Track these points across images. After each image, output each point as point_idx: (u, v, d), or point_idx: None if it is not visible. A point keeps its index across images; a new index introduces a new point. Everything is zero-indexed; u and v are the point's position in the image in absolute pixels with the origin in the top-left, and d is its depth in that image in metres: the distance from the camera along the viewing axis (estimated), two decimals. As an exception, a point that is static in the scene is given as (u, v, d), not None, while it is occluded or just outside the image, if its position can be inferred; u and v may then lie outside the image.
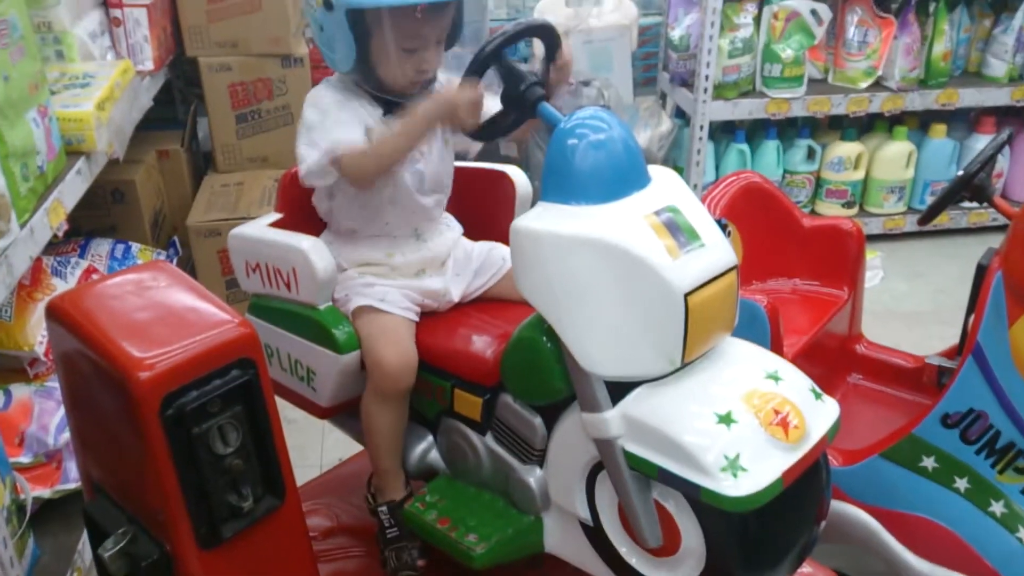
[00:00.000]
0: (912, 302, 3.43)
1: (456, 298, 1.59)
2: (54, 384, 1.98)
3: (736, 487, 1.08)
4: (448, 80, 1.56)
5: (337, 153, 1.42)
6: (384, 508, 1.55)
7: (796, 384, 1.21)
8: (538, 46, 1.43)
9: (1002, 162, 3.81)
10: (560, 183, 1.21)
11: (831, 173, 3.76)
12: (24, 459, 1.87)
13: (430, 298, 1.56)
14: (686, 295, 1.13)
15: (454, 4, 1.46)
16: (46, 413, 1.93)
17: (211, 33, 2.96)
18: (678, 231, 1.18)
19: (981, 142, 3.66)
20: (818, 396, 1.22)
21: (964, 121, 3.86)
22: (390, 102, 1.50)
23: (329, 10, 1.39)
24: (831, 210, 3.80)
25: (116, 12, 2.57)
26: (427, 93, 1.51)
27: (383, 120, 1.50)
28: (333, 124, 1.44)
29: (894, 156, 3.75)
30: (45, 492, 1.87)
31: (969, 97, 3.67)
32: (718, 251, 1.19)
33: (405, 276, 1.56)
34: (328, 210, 1.60)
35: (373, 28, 1.41)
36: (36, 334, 1.97)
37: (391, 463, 1.54)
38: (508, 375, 1.37)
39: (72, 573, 1.80)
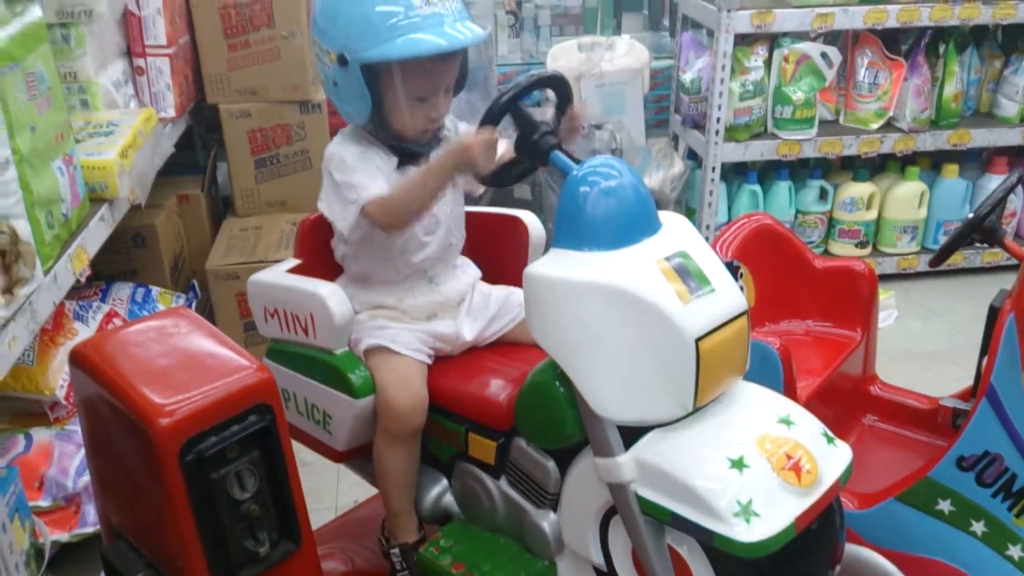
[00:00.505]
0: (927, 342, 3.42)
1: (469, 339, 1.61)
2: (74, 428, 2.01)
3: (749, 533, 1.09)
4: (462, 128, 1.60)
5: (363, 202, 1.46)
6: (396, 551, 1.56)
7: (808, 428, 1.21)
8: (551, 92, 1.46)
9: (1015, 201, 3.82)
10: (572, 230, 1.23)
11: (844, 213, 3.77)
12: (43, 503, 1.89)
13: (442, 341, 1.58)
14: (697, 340, 1.15)
15: (461, 53, 1.50)
16: (66, 456, 1.96)
17: (231, 81, 3.02)
18: (688, 276, 1.19)
19: (993, 182, 3.66)
20: (830, 440, 1.22)
21: (976, 161, 3.87)
22: (404, 151, 1.54)
23: (344, 66, 1.43)
24: (844, 250, 3.81)
25: (140, 61, 2.64)
26: (437, 141, 1.55)
27: (397, 171, 1.53)
28: (359, 177, 1.47)
29: (906, 196, 3.76)
30: (63, 536, 1.89)
31: (981, 137, 3.68)
32: (728, 296, 1.21)
33: (416, 319, 1.58)
34: (343, 255, 1.63)
35: (386, 80, 1.45)
36: (57, 378, 1.99)
37: (404, 505, 1.55)
38: (522, 419, 1.38)
39: (89, 617, 1.81)
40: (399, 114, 1.48)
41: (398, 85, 1.44)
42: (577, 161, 1.31)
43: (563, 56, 3.64)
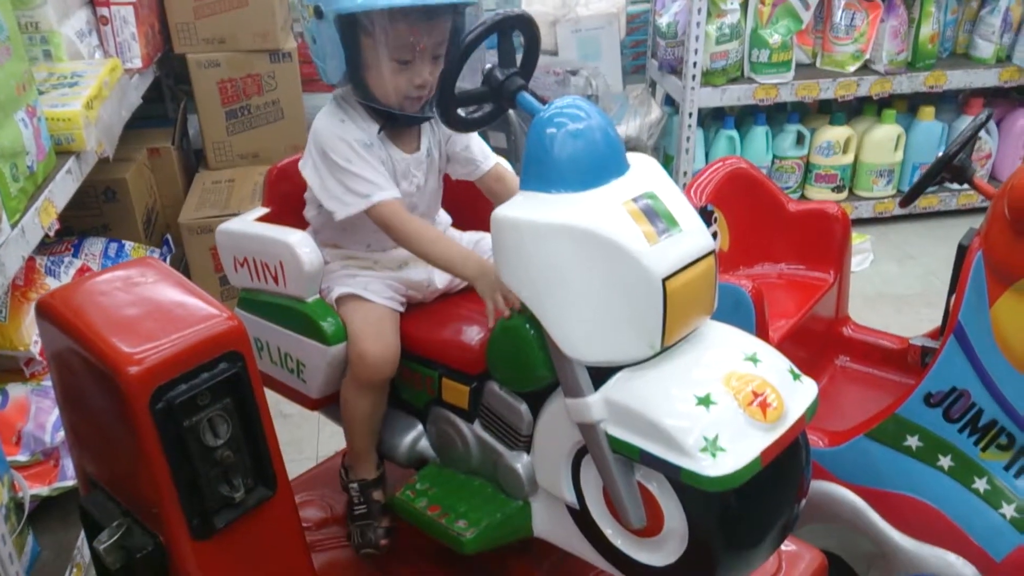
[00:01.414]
0: (902, 285, 3.45)
1: (441, 287, 1.60)
2: (50, 383, 2.00)
3: (715, 467, 1.10)
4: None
5: (374, 202, 1.44)
6: (355, 486, 1.59)
7: (774, 365, 1.23)
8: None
9: (990, 143, 3.83)
10: (539, 171, 1.22)
11: (820, 158, 3.77)
12: (22, 457, 1.90)
13: (414, 289, 1.58)
14: (664, 280, 1.15)
15: (450, 16, 1.43)
16: (43, 412, 1.96)
17: (199, 29, 2.97)
18: (656, 217, 1.19)
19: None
20: (796, 376, 1.24)
21: (952, 103, 3.88)
22: (387, 116, 1.48)
23: (320, 19, 1.38)
24: (821, 195, 3.82)
25: (103, 11, 2.58)
26: (425, 116, 1.51)
27: (378, 137, 1.48)
28: (369, 172, 1.45)
29: (883, 139, 3.76)
30: (43, 490, 1.90)
31: (957, 79, 3.68)
32: (696, 236, 1.21)
33: (387, 268, 1.58)
34: (312, 216, 1.60)
35: (362, 36, 1.40)
36: (31, 334, 1.99)
37: (366, 444, 1.57)
38: (493, 363, 1.39)
39: (72, 569, 1.82)
40: (378, 75, 1.42)
41: (377, 42, 1.38)
42: (544, 103, 1.30)
43: (538, 0, 3.59)
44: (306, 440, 2.60)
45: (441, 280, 1.60)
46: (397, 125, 1.51)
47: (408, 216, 1.48)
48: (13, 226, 1.66)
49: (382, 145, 1.50)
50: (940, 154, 1.97)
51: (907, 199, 2.06)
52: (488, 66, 1.39)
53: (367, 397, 1.51)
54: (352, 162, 1.45)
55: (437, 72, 1.45)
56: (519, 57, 1.42)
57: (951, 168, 1.96)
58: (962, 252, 1.82)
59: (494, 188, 1.61)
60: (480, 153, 1.62)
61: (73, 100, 2.02)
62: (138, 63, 2.66)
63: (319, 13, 1.38)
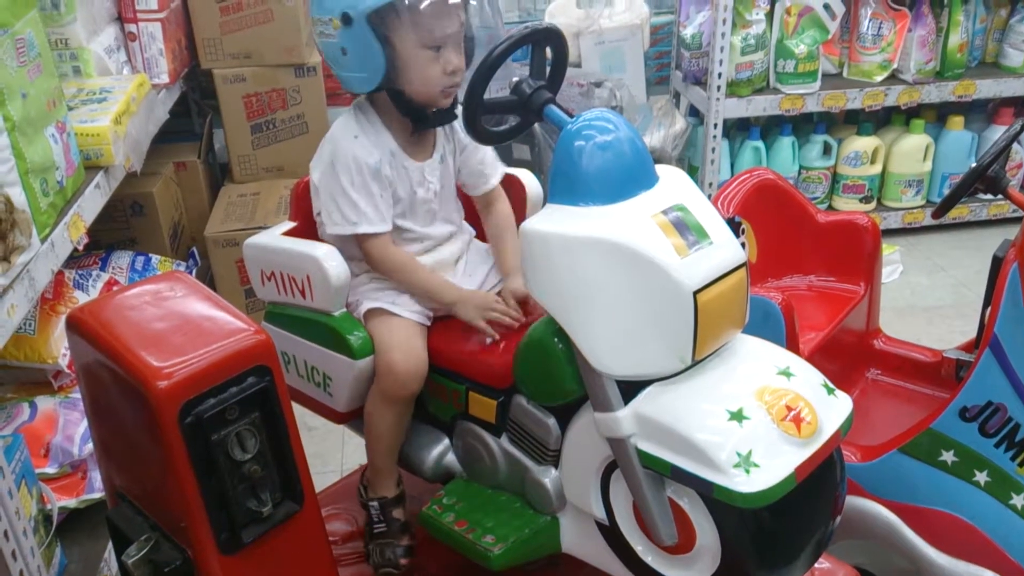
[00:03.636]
0: (933, 296, 3.41)
1: None
2: (78, 396, 2.01)
3: (749, 483, 1.08)
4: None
5: (360, 232, 1.50)
6: (375, 504, 1.58)
7: (808, 379, 1.21)
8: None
9: (1022, 153, 3.78)
10: (567, 184, 1.22)
11: (848, 168, 3.74)
12: (50, 470, 1.91)
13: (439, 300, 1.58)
14: (695, 293, 1.13)
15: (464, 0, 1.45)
16: (71, 424, 1.97)
17: (225, 45, 2.99)
18: (686, 230, 1.18)
19: (999, 133, 3.62)
20: (831, 391, 1.22)
21: (982, 112, 3.83)
22: (418, 116, 1.50)
23: (349, 26, 1.39)
24: (848, 205, 3.78)
25: (131, 27, 2.61)
26: (452, 114, 1.53)
27: (391, 151, 1.51)
28: (364, 201, 1.49)
29: (911, 149, 3.72)
30: (71, 502, 1.91)
31: (986, 88, 3.64)
32: (727, 249, 1.20)
33: None
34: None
35: (394, 29, 1.40)
36: (60, 347, 2.00)
37: (387, 462, 1.57)
38: (521, 377, 1.37)
39: (99, 581, 1.83)
40: (414, 68, 1.42)
41: (408, 32, 1.39)
42: (572, 115, 1.29)
43: (561, 13, 3.59)
44: (330, 453, 2.60)
45: (469, 289, 1.59)
46: (426, 127, 1.53)
47: (393, 250, 1.54)
48: (43, 240, 1.67)
49: (394, 160, 1.51)
50: (973, 164, 1.94)
51: (940, 210, 2.03)
52: (515, 79, 1.39)
53: (392, 411, 1.51)
54: (353, 186, 1.48)
55: (462, 60, 1.47)
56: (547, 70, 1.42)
57: (985, 179, 1.92)
58: (997, 264, 1.79)
59: (491, 206, 1.66)
60: (491, 167, 1.64)
61: (102, 116, 2.04)
62: (165, 78, 2.68)
63: (347, 20, 1.39)
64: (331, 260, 1.50)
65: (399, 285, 1.54)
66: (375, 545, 1.59)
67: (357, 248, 1.56)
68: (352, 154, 1.48)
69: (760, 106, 3.56)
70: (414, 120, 1.51)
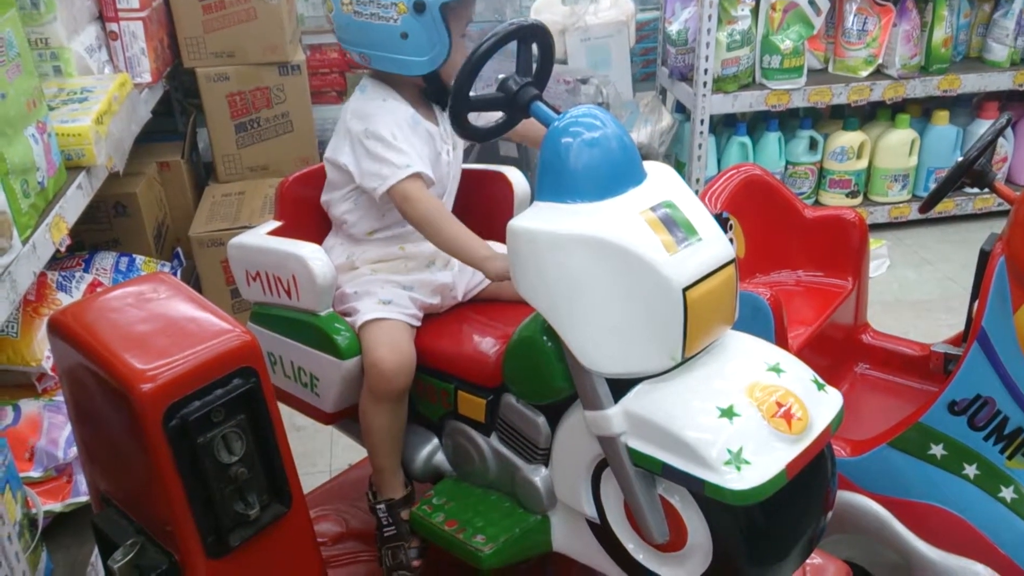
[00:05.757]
0: (920, 290, 3.42)
1: (461, 295, 1.60)
2: (62, 399, 1.99)
3: (740, 480, 1.08)
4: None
5: (412, 171, 1.49)
6: (383, 507, 1.56)
7: (798, 375, 1.20)
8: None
9: (1006, 147, 3.80)
10: (555, 182, 1.21)
11: (834, 163, 3.75)
12: (35, 473, 1.88)
13: (439, 293, 1.58)
14: (684, 290, 1.13)
15: None
16: (55, 427, 1.94)
17: (208, 43, 2.97)
18: (675, 226, 1.17)
19: (984, 127, 3.63)
20: (821, 387, 1.21)
21: (967, 107, 3.85)
22: (435, 93, 1.57)
23: (420, 12, 1.43)
24: (835, 200, 3.79)
25: (112, 26, 2.58)
26: None
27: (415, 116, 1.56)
28: (408, 146, 1.51)
29: (897, 144, 3.73)
30: (56, 506, 1.88)
31: (971, 83, 3.65)
32: (716, 245, 1.19)
33: (419, 267, 1.58)
34: (345, 211, 1.61)
35: (452, 20, 1.48)
36: (43, 349, 1.97)
37: (390, 462, 1.55)
38: (510, 376, 1.37)
39: (85, 586, 1.81)
40: (459, 53, 1.49)
41: (459, 20, 1.50)
42: (558, 112, 1.29)
43: (547, 9, 3.58)
44: (319, 453, 2.58)
45: (462, 286, 1.59)
46: (444, 106, 1.57)
47: (429, 195, 1.52)
48: (24, 242, 1.65)
49: (417, 124, 1.56)
50: (960, 159, 1.95)
51: (927, 204, 2.03)
52: (502, 76, 1.38)
53: (385, 410, 1.50)
54: (398, 137, 1.51)
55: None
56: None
57: (971, 173, 1.93)
58: (984, 258, 1.79)
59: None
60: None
61: (83, 115, 2.01)
62: (147, 77, 2.66)
63: (420, 7, 1.43)
64: (317, 259, 1.48)
65: (430, 237, 1.50)
66: (386, 549, 1.57)
67: (371, 221, 1.58)
68: (389, 111, 1.53)
69: (746, 102, 3.56)
70: (436, 100, 1.58)
